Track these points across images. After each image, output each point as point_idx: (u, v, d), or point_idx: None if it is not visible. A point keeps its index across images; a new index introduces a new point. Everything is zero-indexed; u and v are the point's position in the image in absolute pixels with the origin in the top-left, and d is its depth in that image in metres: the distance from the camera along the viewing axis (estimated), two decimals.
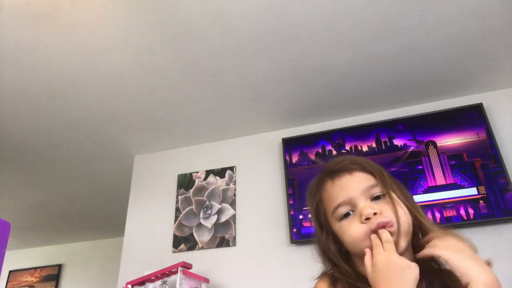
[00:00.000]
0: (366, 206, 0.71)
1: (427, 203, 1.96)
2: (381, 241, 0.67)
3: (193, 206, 2.39)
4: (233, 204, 2.33)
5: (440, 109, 2.18)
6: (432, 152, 2.08)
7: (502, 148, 2.01)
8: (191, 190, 2.45)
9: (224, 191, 2.39)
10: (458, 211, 1.91)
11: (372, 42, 1.83)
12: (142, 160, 2.69)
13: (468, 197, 1.93)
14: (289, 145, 2.33)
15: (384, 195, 0.73)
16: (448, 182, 1.99)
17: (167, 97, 2.14)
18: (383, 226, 0.69)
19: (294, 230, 2.10)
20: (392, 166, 2.10)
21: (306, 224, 2.10)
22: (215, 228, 2.29)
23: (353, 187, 0.74)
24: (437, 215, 1.93)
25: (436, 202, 1.96)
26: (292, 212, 2.15)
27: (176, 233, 2.34)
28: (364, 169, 0.76)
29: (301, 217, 2.12)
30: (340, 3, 1.62)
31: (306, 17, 1.68)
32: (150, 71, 1.95)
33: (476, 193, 1.93)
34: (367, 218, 0.70)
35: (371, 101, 2.25)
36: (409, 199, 0.76)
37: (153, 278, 1.97)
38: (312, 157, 2.26)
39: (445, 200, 1.95)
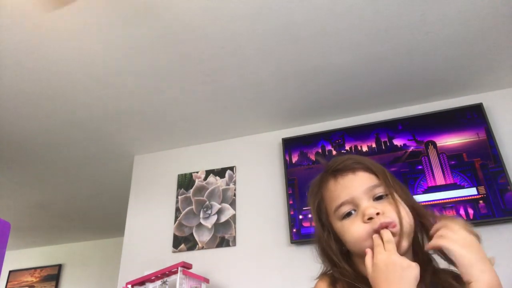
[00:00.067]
0: (369, 206, 0.71)
1: (427, 203, 1.96)
2: (382, 241, 0.67)
3: (193, 206, 2.39)
4: (233, 204, 2.33)
5: (440, 109, 2.18)
6: (432, 152, 2.08)
7: (502, 148, 2.01)
8: (191, 190, 2.45)
9: (224, 191, 2.39)
10: (458, 211, 1.91)
11: (372, 42, 1.82)
12: (142, 160, 2.69)
13: (468, 197, 1.93)
14: (289, 145, 2.33)
15: (386, 195, 0.73)
16: (448, 182, 1.99)
17: (167, 97, 2.14)
18: (386, 226, 0.68)
19: (294, 230, 2.10)
20: (392, 166, 2.10)
21: (306, 224, 2.10)
22: (215, 228, 2.29)
23: (356, 186, 0.74)
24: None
25: (436, 202, 1.96)
26: (292, 212, 2.15)
27: (176, 233, 2.34)
28: (367, 169, 0.76)
29: (301, 217, 2.12)
30: (340, 3, 1.62)
31: (306, 17, 1.68)
32: (150, 71, 1.95)
33: (476, 193, 1.93)
34: (370, 218, 0.70)
35: (371, 101, 2.25)
36: (411, 199, 0.76)
37: (153, 278, 1.96)
38: (312, 157, 2.26)
39: (444, 200, 1.95)
